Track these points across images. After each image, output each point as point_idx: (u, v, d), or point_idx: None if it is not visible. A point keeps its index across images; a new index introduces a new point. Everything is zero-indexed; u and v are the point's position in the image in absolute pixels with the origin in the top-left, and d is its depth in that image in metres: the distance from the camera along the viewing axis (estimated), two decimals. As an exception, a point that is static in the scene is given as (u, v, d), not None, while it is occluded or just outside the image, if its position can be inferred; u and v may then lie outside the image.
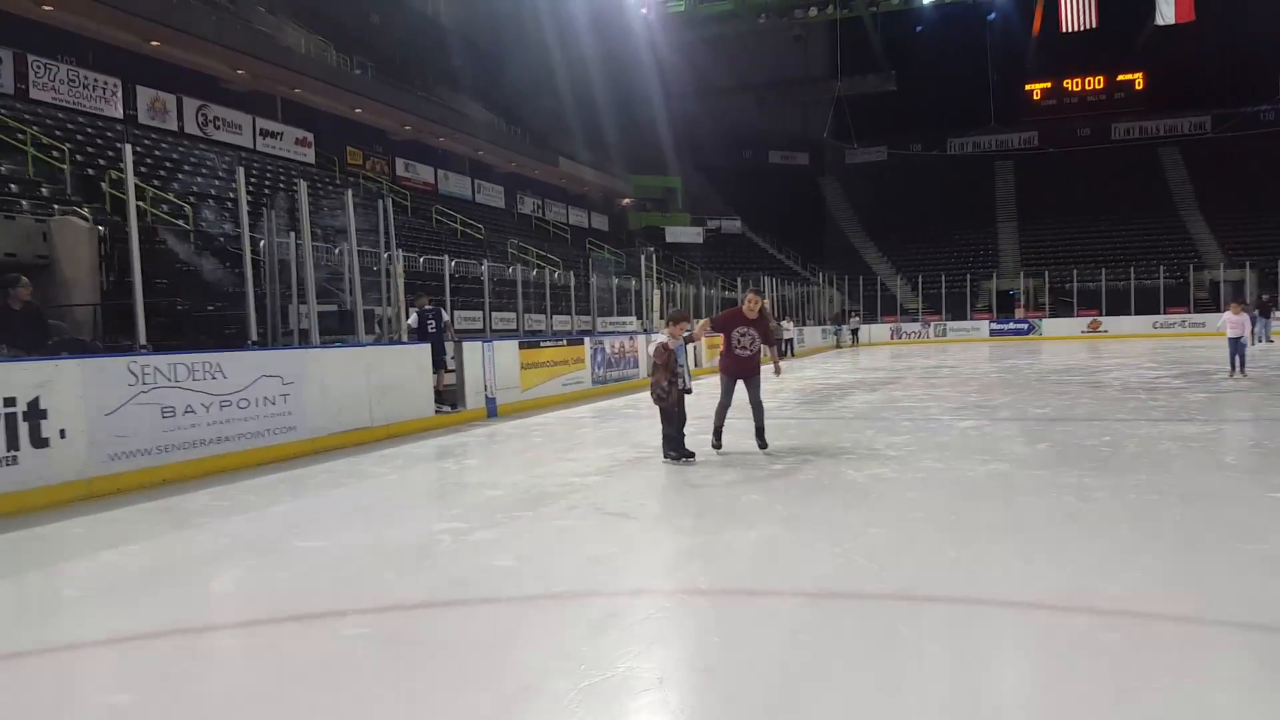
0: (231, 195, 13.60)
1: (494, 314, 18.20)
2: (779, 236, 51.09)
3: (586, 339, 15.74)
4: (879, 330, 41.48)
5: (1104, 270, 40.51)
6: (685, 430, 7.53)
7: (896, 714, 2.76)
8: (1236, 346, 14.20)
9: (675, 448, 7.38)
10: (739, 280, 33.43)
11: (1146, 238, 45.68)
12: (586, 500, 6.13)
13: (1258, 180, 46.30)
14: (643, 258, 22.06)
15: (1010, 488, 6.15)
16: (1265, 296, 32.41)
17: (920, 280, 43.78)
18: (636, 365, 17.71)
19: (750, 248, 50.77)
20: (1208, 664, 3.06)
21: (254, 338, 9.16)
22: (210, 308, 12.82)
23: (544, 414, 12.39)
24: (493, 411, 12.15)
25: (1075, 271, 41.46)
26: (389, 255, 11.75)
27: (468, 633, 3.67)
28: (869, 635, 3.47)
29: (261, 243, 11.53)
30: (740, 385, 7.83)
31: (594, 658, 3.24)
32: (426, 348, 11.15)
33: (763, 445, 7.80)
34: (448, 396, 11.62)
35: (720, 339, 7.87)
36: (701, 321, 7.70)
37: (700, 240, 49.18)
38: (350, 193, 10.77)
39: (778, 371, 8.35)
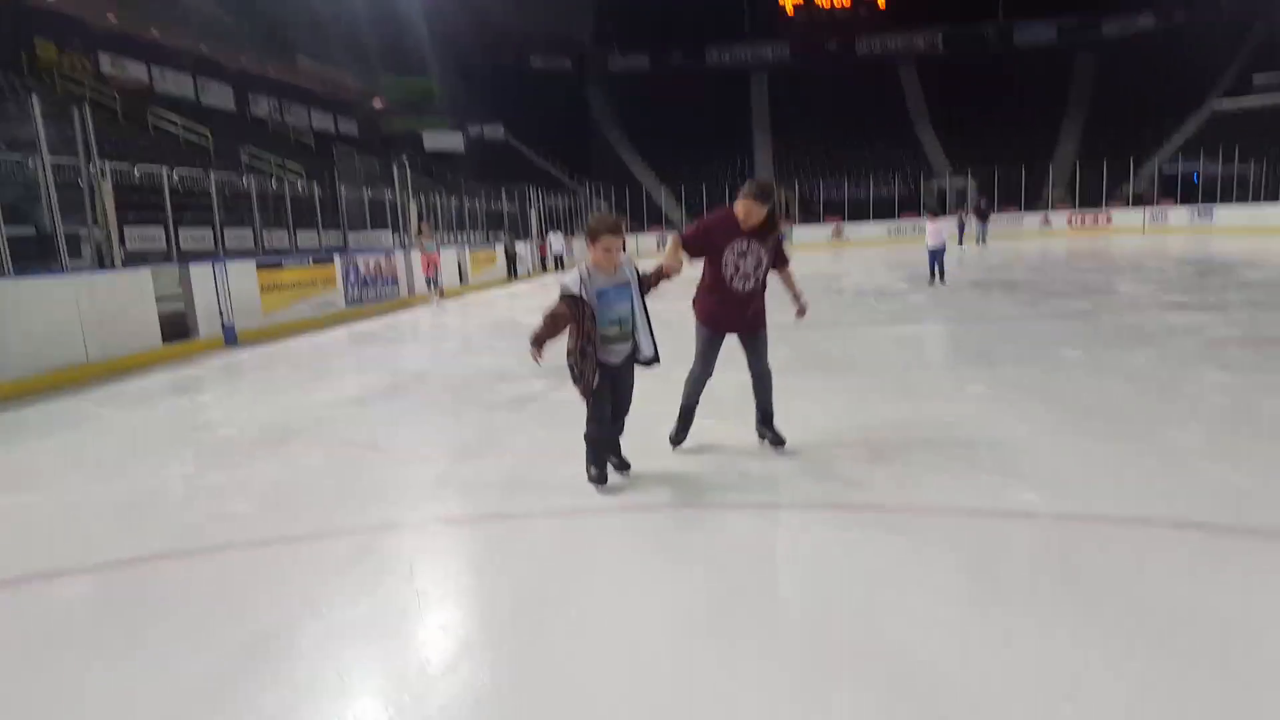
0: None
1: (226, 231, 16.14)
2: (545, 146, 50.37)
3: (337, 257, 14.91)
4: (646, 241, 42.51)
5: (847, 180, 43.98)
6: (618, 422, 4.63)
7: (646, 614, 2.95)
8: (935, 256, 14.92)
9: (607, 451, 4.57)
10: (503, 190, 32.57)
11: (885, 150, 49.70)
12: (335, 434, 5.93)
13: (981, 95, 51.41)
14: (395, 166, 20.93)
15: (746, 390, 6.62)
16: (983, 202, 35.67)
17: (683, 191, 45.13)
18: (395, 283, 17.09)
19: (516, 157, 49.70)
20: (904, 547, 3.52)
21: (-73, 268, 7.86)
22: None
23: (291, 340, 11.70)
24: (231, 339, 11.30)
25: (822, 182, 44.62)
26: (93, 169, 10.35)
27: (200, 585, 3.48)
28: (618, 546, 3.69)
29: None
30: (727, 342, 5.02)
31: (338, 598, 3.21)
32: (146, 272, 10.06)
33: (776, 440, 4.99)
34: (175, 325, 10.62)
35: (702, 264, 4.90)
36: (669, 243, 4.74)
37: (462, 148, 47.32)
38: (34, 97, 9.28)
39: (801, 312, 5.17)
